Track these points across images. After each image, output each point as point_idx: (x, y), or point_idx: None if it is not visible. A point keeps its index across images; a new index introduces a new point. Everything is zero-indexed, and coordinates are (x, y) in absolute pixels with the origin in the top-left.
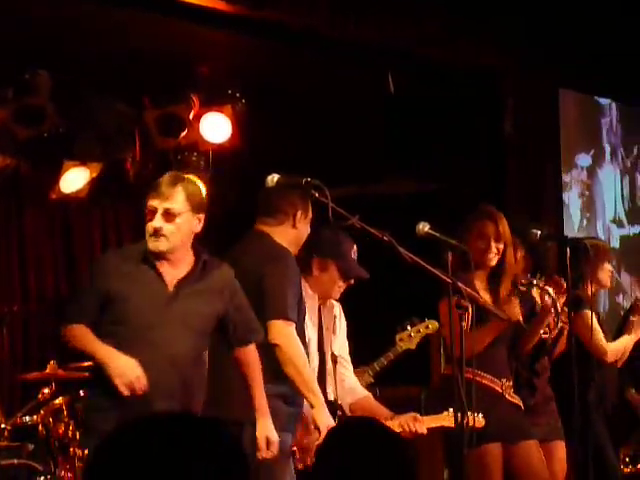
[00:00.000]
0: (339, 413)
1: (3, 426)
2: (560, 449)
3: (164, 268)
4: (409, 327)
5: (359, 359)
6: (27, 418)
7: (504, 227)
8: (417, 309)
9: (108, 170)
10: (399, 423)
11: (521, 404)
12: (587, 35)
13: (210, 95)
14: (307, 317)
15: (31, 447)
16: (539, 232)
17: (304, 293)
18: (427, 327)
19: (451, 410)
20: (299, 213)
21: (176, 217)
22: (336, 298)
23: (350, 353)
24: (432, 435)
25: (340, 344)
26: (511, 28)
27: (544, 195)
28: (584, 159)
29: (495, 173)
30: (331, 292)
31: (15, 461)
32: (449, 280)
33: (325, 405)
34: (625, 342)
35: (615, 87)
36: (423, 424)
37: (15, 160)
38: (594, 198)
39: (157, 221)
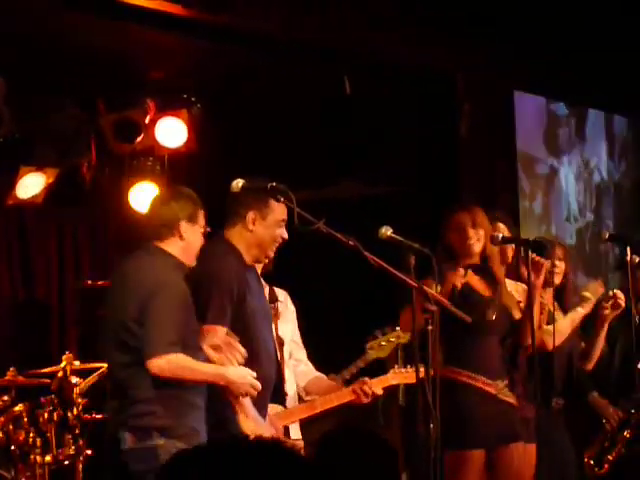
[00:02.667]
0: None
1: None
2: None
3: None
4: (380, 336)
5: (330, 367)
6: None
7: (481, 216)
8: (389, 317)
9: (64, 175)
10: (352, 389)
11: (515, 402)
12: (544, 37)
13: (165, 100)
14: None
15: None
16: (500, 235)
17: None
18: (398, 336)
19: (396, 367)
20: (251, 214)
21: None
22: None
23: (320, 361)
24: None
25: (291, 329)
26: (466, 30)
27: (499, 198)
28: (543, 168)
29: (449, 176)
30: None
31: None
32: (414, 284)
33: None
34: (567, 320)
35: (570, 91)
36: (373, 385)
37: None
38: (551, 205)
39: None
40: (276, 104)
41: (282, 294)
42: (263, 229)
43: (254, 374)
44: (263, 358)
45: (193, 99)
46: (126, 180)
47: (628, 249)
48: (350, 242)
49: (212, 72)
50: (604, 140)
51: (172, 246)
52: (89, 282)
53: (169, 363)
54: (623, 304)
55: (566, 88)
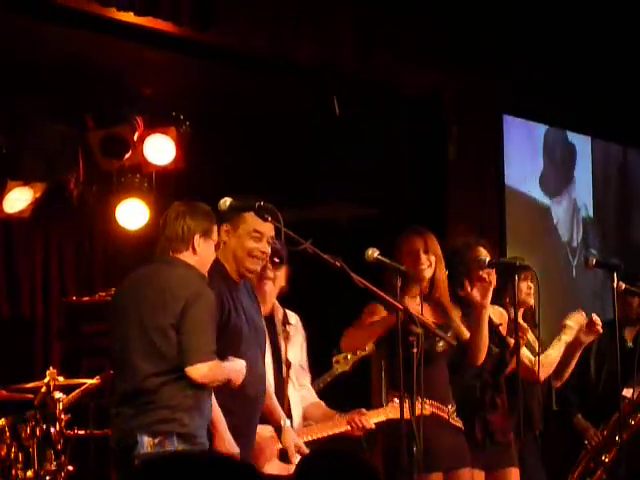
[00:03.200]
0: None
1: None
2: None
3: None
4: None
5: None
6: None
7: (432, 241)
8: None
9: (51, 190)
10: (347, 420)
11: (462, 426)
12: (532, 61)
13: (154, 117)
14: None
15: None
16: (487, 259)
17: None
18: (364, 349)
19: (395, 400)
20: (224, 227)
21: None
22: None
23: None
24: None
25: (295, 352)
26: (456, 53)
27: (486, 220)
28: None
29: (437, 198)
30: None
31: None
32: (400, 306)
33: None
34: (556, 350)
35: (557, 115)
36: (369, 418)
37: None
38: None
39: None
40: (266, 123)
41: (294, 317)
42: (235, 240)
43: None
44: (247, 377)
45: (182, 117)
46: (113, 196)
47: (614, 275)
48: (337, 263)
49: (202, 90)
50: (590, 177)
51: (188, 259)
52: (74, 298)
53: (211, 370)
54: (600, 330)
55: (554, 112)
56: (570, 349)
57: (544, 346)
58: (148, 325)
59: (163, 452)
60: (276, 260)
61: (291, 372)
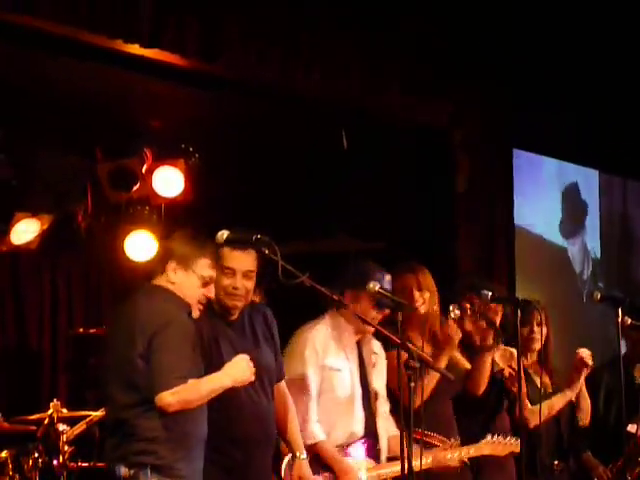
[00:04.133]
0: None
1: None
2: None
3: None
4: None
5: None
6: None
7: (425, 277)
8: None
9: (59, 222)
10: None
11: (467, 460)
12: (543, 94)
13: (163, 149)
14: (342, 352)
15: None
16: (489, 293)
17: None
18: None
19: (489, 437)
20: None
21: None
22: (371, 331)
23: None
24: None
25: (379, 380)
26: (467, 87)
27: (495, 256)
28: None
29: (446, 233)
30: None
31: None
32: (398, 341)
33: None
34: (553, 402)
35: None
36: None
37: None
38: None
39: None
40: (275, 154)
41: (377, 345)
42: (217, 277)
43: (245, 356)
44: (236, 415)
45: (191, 149)
46: (122, 228)
47: (620, 310)
48: (334, 297)
49: (211, 121)
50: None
51: (166, 284)
52: (81, 330)
53: (177, 395)
54: (590, 362)
55: (564, 148)
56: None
57: (560, 390)
58: (120, 356)
59: None
60: None
61: (379, 403)
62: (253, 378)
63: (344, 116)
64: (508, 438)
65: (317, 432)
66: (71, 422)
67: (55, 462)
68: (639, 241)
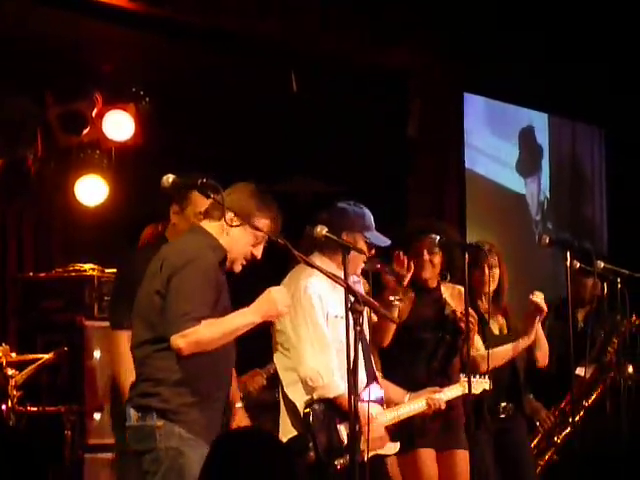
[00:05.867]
0: None
1: None
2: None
3: None
4: None
5: (253, 362)
6: None
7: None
8: None
9: (9, 166)
10: (426, 399)
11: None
12: (494, 39)
13: (113, 93)
14: (338, 297)
15: None
16: (437, 237)
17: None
18: None
19: (462, 376)
20: (174, 208)
21: None
22: (358, 273)
23: (244, 356)
24: None
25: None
26: (420, 35)
27: (446, 201)
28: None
29: (398, 179)
30: (357, 267)
31: None
32: (343, 284)
33: None
34: (508, 349)
35: (520, 92)
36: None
37: None
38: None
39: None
40: (227, 100)
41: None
42: (184, 222)
43: (279, 287)
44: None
45: (141, 93)
46: (72, 172)
47: (568, 254)
48: (280, 240)
49: (161, 66)
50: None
51: (212, 230)
52: (31, 274)
53: (185, 338)
54: (544, 307)
55: (516, 91)
56: (526, 327)
57: (516, 330)
58: (144, 292)
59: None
60: None
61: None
62: (287, 310)
63: (298, 59)
64: (478, 376)
65: (339, 384)
66: (20, 367)
67: (4, 407)
68: (588, 182)
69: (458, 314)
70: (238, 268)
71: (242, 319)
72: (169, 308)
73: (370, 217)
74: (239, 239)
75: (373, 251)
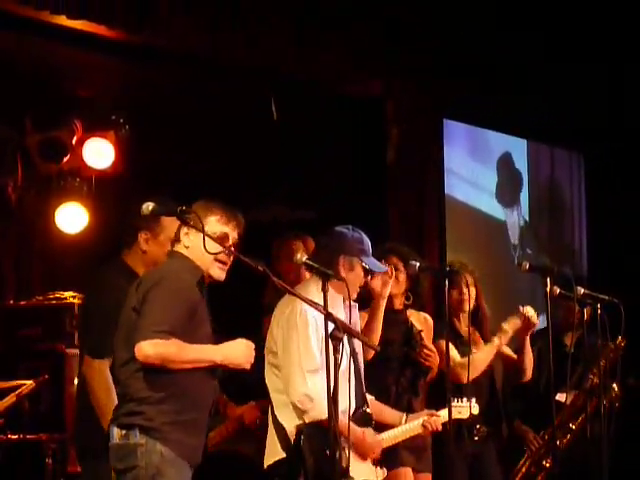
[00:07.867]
0: None
1: None
2: None
3: None
4: None
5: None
6: None
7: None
8: None
9: None
10: (423, 422)
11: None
12: (474, 66)
13: (93, 121)
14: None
15: None
16: (417, 264)
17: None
18: None
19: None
20: (143, 235)
21: None
22: (354, 298)
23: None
24: None
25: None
26: (398, 59)
27: (426, 225)
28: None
29: (377, 205)
30: (354, 291)
31: None
32: (322, 311)
33: None
34: (484, 353)
35: (502, 120)
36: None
37: None
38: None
39: None
40: (206, 125)
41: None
42: (156, 248)
43: (251, 344)
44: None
45: (121, 120)
46: (53, 200)
47: (548, 280)
48: (259, 267)
49: (140, 93)
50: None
51: (183, 251)
52: (11, 301)
53: (156, 347)
54: (535, 320)
55: (496, 117)
56: (518, 343)
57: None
58: (125, 312)
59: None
60: None
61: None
62: (248, 366)
63: (276, 85)
64: (465, 400)
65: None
66: (0, 395)
67: None
68: (567, 207)
69: (423, 335)
70: (216, 273)
71: (206, 354)
72: (141, 319)
73: (368, 242)
74: (198, 245)
75: (369, 277)
